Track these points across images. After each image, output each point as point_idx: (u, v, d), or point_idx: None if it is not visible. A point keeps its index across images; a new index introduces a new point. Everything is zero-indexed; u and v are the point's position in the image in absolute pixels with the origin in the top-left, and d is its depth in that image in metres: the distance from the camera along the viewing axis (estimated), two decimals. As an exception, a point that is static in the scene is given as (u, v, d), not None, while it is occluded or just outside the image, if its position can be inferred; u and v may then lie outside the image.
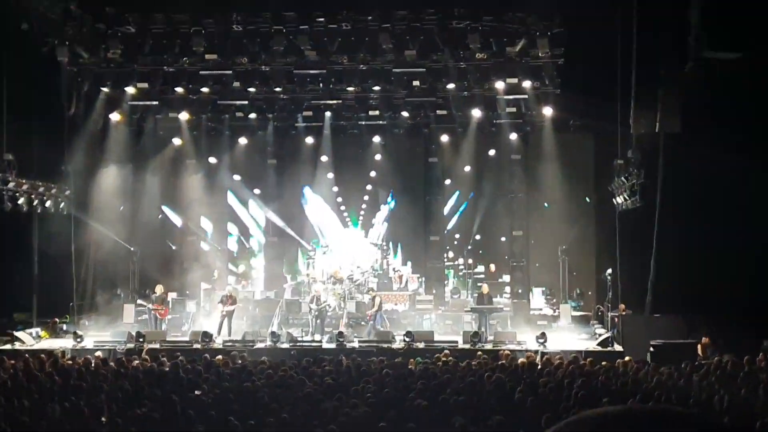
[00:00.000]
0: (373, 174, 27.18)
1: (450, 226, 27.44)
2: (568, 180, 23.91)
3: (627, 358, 14.81)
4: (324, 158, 26.40)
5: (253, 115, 23.69)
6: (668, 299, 19.71)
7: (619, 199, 20.14)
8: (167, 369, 13.47)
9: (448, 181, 26.15)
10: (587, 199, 23.76)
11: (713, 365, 13.40)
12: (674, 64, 17.15)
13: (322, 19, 19.77)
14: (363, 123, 24.49)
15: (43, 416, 9.90)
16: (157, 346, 18.77)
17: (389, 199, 27.90)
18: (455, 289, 24.65)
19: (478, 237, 26.72)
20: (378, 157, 26.03)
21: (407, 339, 18.94)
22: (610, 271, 20.79)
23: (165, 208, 25.42)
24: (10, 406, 10.10)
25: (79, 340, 19.28)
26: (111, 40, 20.17)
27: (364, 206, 30.21)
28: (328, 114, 24.01)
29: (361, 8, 19.83)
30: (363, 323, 21.46)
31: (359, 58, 20.80)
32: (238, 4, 20.27)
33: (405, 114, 23.49)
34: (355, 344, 19.22)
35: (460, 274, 27.15)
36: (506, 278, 25.35)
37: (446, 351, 16.89)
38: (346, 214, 30.78)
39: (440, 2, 19.77)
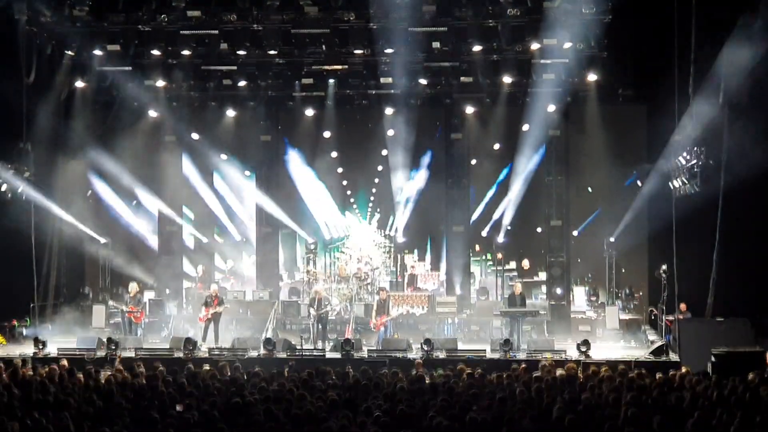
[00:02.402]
0: (384, 153, 27.24)
1: (476, 215, 27.49)
2: (616, 160, 23.86)
3: (684, 369, 14.83)
4: (327, 134, 26.47)
5: (243, 83, 23.74)
6: (733, 300, 19.72)
7: (677, 183, 20.12)
8: (144, 381, 13.62)
9: (474, 161, 26.17)
10: (639, 182, 23.73)
11: (786, 378, 13.40)
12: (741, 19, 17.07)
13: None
14: (373, 92, 24.52)
15: (-1, 436, 10.05)
16: (132, 354, 19.05)
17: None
18: (482, 289, 24.74)
19: (509, 227, 26.73)
20: (391, 132, 26.06)
21: (426, 348, 19.07)
22: (665, 267, 20.82)
23: (140, 193, 25.57)
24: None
25: (41, 346, 19.52)
26: (77, -5, 20.29)
27: (374, 191, 30.29)
28: (331, 81, 24.03)
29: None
30: (373, 330, 21.58)
31: (368, 15, 20.81)
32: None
33: (423, 82, 23.49)
34: (364, 353, 19.36)
35: (489, 271, 27.23)
36: (542, 276, 25.41)
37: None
38: (353, 200, 30.89)
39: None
